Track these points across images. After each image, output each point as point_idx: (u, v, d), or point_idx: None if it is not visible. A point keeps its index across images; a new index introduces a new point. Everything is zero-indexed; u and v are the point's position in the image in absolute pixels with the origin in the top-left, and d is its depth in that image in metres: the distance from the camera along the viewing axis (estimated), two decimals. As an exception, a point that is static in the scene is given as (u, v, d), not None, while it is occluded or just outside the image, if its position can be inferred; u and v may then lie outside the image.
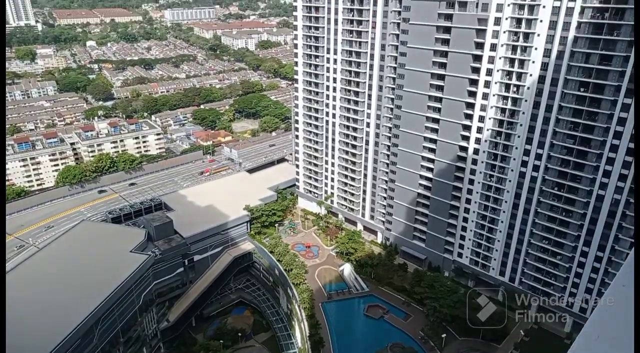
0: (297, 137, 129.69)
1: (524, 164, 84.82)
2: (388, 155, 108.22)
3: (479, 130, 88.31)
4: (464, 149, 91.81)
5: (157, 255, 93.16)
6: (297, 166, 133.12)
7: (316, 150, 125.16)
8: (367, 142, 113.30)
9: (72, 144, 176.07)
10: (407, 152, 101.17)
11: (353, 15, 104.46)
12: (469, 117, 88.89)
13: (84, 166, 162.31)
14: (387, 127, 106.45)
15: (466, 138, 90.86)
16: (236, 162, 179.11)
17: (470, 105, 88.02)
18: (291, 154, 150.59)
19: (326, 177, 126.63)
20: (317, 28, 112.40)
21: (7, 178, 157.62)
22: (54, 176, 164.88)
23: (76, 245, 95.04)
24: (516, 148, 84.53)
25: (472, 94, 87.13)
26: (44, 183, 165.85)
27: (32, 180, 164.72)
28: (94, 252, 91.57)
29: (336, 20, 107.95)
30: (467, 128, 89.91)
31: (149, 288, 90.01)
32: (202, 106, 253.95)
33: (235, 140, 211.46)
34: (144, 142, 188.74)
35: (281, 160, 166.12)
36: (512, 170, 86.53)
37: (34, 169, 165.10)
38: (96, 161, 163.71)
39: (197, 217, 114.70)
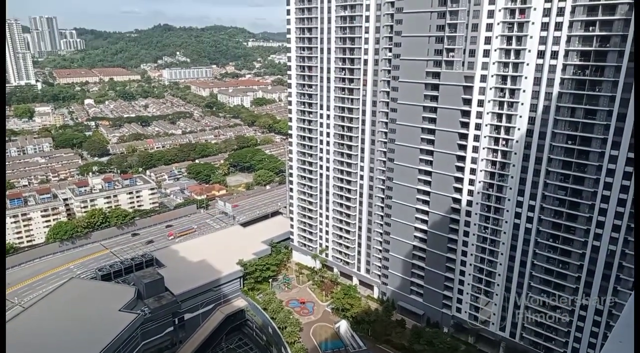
0: (291, 190, 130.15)
1: (518, 215, 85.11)
2: (382, 208, 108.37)
3: (471, 182, 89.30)
4: (457, 200, 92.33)
5: (147, 314, 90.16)
6: (292, 219, 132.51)
7: (310, 203, 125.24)
8: (361, 195, 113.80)
9: (65, 199, 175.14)
10: (401, 205, 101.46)
11: (345, 74, 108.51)
12: (461, 169, 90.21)
13: (75, 222, 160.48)
14: (380, 180, 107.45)
15: (459, 190, 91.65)
16: (230, 216, 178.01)
17: (461, 158, 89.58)
18: (285, 207, 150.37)
19: (321, 230, 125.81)
20: (310, 85, 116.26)
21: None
22: (44, 232, 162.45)
23: (63, 304, 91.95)
24: (509, 200, 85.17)
25: (463, 147, 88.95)
26: (34, 240, 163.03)
27: (22, 237, 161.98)
28: (81, 311, 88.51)
29: (329, 78, 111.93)
30: (460, 180, 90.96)
31: (137, 349, 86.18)
32: (197, 161, 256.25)
33: (229, 193, 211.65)
34: (138, 196, 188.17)
35: (275, 213, 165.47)
36: (506, 222, 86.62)
37: (24, 225, 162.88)
38: (88, 217, 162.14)
39: (189, 273, 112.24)
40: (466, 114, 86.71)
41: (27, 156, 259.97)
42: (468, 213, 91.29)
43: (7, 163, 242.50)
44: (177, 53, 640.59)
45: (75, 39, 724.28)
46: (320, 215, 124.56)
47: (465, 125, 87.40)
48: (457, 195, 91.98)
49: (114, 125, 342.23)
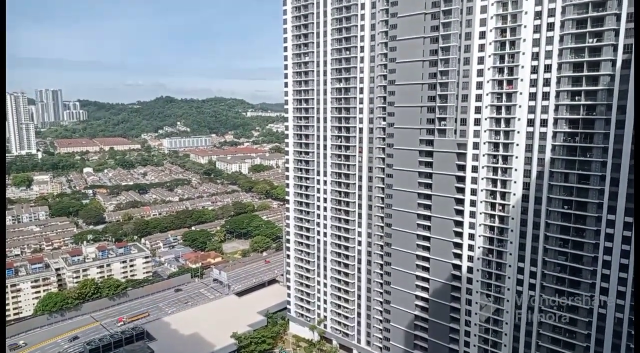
0: (288, 256, 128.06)
1: (520, 282, 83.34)
2: (381, 274, 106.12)
3: (471, 247, 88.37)
4: (457, 267, 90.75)
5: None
6: (289, 287, 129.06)
7: (308, 270, 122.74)
8: (359, 261, 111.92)
9: (57, 269, 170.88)
10: (401, 271, 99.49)
11: (341, 141, 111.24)
12: (459, 235, 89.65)
13: (66, 293, 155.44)
14: (379, 245, 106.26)
15: (458, 256, 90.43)
16: (225, 285, 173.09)
17: (459, 224, 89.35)
18: (282, 275, 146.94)
19: (319, 299, 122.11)
20: (307, 152, 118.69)
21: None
22: (34, 304, 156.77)
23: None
24: (509, 266, 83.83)
25: (460, 213, 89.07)
26: (21, 313, 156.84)
27: (9, 308, 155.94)
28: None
29: (325, 146, 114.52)
30: (459, 246, 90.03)
31: None
32: (193, 228, 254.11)
33: (225, 261, 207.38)
34: (131, 265, 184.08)
35: (272, 281, 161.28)
36: (508, 289, 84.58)
37: (13, 297, 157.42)
38: (80, 287, 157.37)
39: (181, 347, 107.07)
40: (461, 179, 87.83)
41: (21, 225, 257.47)
42: (469, 281, 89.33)
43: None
44: (178, 123, 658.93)
45: (78, 110, 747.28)
46: (318, 282, 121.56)
47: (461, 190, 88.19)
48: (457, 261, 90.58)
49: (111, 193, 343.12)
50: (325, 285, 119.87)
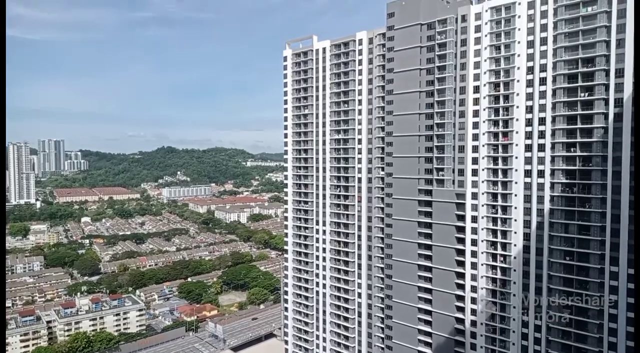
0: (286, 309, 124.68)
1: (525, 336, 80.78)
2: (382, 328, 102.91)
3: (474, 300, 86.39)
4: (460, 320, 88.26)
5: None
6: (286, 342, 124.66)
7: (306, 323, 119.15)
8: (359, 314, 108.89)
9: (48, 322, 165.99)
10: (402, 325, 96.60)
11: (340, 191, 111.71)
12: (461, 286, 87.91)
13: (56, 347, 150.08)
14: (379, 298, 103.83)
15: (461, 309, 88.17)
16: (220, 339, 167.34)
17: (461, 275, 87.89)
18: (280, 328, 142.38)
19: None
20: (306, 202, 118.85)
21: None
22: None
23: None
24: (514, 319, 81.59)
25: (461, 264, 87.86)
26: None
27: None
28: None
29: (324, 195, 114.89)
30: (461, 298, 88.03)
31: None
32: (189, 279, 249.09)
33: (221, 314, 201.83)
34: (125, 318, 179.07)
35: (269, 335, 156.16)
36: (513, 344, 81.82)
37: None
38: (71, 341, 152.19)
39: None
40: (461, 230, 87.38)
41: (15, 275, 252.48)
42: (473, 335, 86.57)
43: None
44: (178, 173, 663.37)
45: (79, 160, 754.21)
46: (317, 337, 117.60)
47: (462, 241, 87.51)
48: (460, 315, 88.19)
49: (108, 242, 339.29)
50: (324, 339, 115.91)
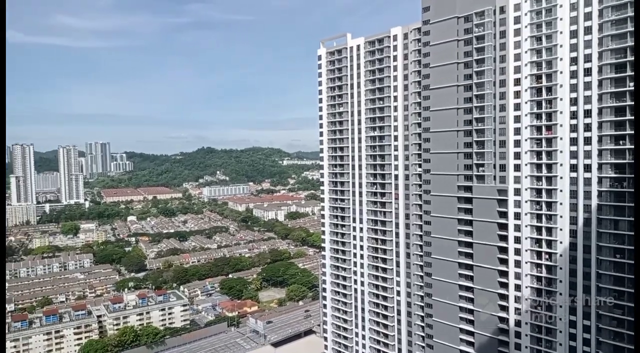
0: (324, 306, 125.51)
1: (572, 337, 77.87)
2: (423, 327, 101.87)
3: (517, 299, 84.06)
4: (504, 320, 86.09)
5: None
6: (326, 339, 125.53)
7: (345, 321, 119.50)
8: (398, 312, 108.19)
9: (99, 316, 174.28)
10: (443, 324, 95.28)
11: (376, 188, 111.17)
12: (505, 285, 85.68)
13: (106, 340, 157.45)
14: (419, 296, 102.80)
15: (505, 308, 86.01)
16: (261, 335, 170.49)
17: (504, 274, 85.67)
18: (319, 325, 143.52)
19: (357, 352, 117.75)
20: (342, 199, 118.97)
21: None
22: (75, 351, 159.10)
23: None
24: (560, 319, 78.81)
25: (504, 262, 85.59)
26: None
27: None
28: None
29: (360, 193, 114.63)
30: (504, 297, 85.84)
31: None
32: (230, 275, 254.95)
33: (261, 310, 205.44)
34: (170, 313, 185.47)
35: (309, 332, 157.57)
36: (560, 345, 79.07)
37: (56, 343, 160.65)
38: (120, 335, 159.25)
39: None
40: (504, 227, 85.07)
41: (67, 272, 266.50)
42: (518, 335, 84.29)
43: (48, 279, 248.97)
44: (218, 172, 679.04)
45: (124, 162, 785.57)
46: (357, 334, 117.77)
47: (504, 238, 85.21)
48: (503, 314, 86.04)
49: (153, 240, 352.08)
50: (363, 337, 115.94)
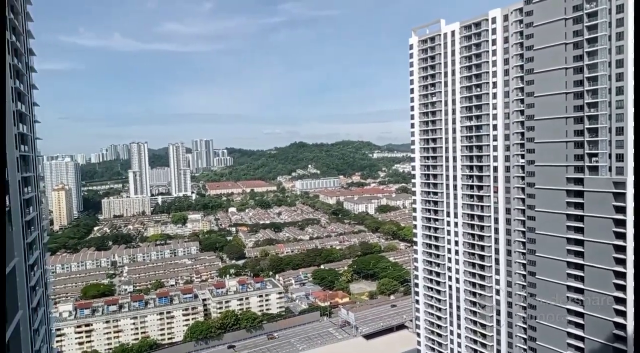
0: (417, 301, 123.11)
1: None
2: (525, 329, 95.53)
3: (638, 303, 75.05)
4: (621, 326, 77.54)
5: None
6: (418, 335, 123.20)
7: (439, 318, 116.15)
8: (498, 312, 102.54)
9: (204, 299, 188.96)
10: (548, 326, 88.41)
11: (473, 181, 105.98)
12: (621, 287, 77.07)
13: (210, 322, 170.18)
14: (520, 296, 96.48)
15: (622, 313, 77.38)
16: (352, 326, 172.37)
17: (621, 275, 77.04)
18: (411, 321, 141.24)
19: (452, 350, 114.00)
20: (435, 193, 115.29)
21: (143, 330, 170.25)
22: (183, 330, 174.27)
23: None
24: (694, 329, 68.88)
25: (621, 262, 76.92)
26: (174, 338, 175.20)
27: (165, 334, 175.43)
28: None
29: (455, 186, 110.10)
30: (621, 301, 77.24)
31: None
32: (322, 266, 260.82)
33: (352, 302, 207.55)
34: (267, 300, 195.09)
35: (400, 326, 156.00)
36: (694, 358, 69.18)
37: (167, 323, 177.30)
38: (222, 318, 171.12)
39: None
40: (621, 223, 76.36)
41: (177, 258, 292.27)
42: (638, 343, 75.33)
43: (160, 264, 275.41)
44: (309, 166, 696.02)
45: (225, 157, 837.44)
46: (451, 332, 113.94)
47: (622, 236, 76.48)
48: (620, 319, 77.50)
49: (251, 230, 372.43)
50: (459, 335, 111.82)
